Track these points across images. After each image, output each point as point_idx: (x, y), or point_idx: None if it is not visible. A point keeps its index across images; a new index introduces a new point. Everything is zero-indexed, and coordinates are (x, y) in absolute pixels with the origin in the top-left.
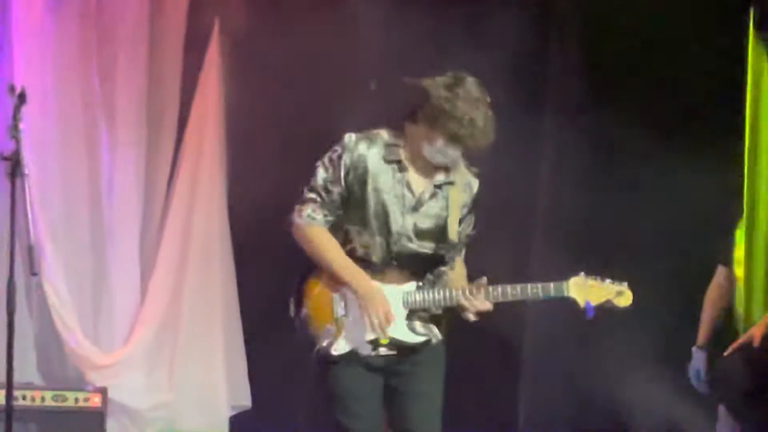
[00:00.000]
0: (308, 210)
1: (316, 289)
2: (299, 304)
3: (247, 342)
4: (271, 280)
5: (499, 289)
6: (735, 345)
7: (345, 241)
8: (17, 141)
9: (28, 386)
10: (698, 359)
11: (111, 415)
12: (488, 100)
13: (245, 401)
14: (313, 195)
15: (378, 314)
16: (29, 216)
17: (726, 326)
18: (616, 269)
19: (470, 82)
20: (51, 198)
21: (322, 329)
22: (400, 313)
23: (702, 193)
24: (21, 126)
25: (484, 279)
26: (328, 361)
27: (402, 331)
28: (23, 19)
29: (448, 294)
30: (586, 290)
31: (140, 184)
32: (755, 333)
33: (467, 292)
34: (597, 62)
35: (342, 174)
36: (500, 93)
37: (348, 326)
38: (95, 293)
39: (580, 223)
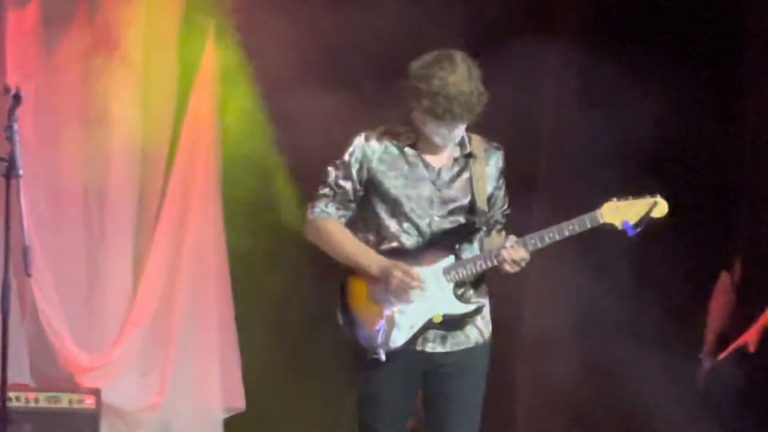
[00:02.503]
0: (320, 205)
1: (358, 292)
2: (346, 311)
3: (241, 344)
4: (266, 281)
5: (536, 236)
6: (729, 349)
7: (377, 236)
8: (12, 141)
9: (23, 387)
10: (707, 364)
11: (104, 417)
12: (474, 74)
13: (239, 404)
14: (324, 191)
15: (398, 279)
16: (24, 217)
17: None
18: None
19: (452, 58)
20: (40, 200)
21: (374, 330)
22: (445, 287)
23: None
24: (16, 127)
25: (513, 237)
26: (377, 361)
27: (452, 305)
28: (17, 20)
29: (486, 254)
30: (621, 212)
31: (134, 184)
32: (750, 338)
33: (504, 246)
34: None
35: (354, 170)
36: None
37: (398, 319)
38: (88, 295)
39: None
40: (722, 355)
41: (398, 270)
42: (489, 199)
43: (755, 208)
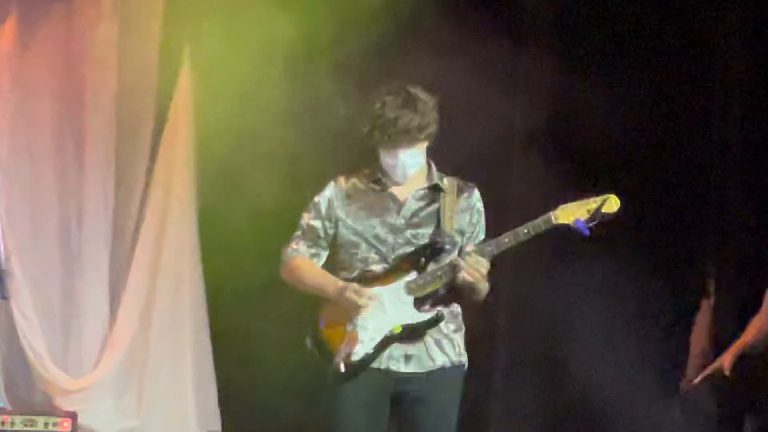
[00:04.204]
0: (292, 245)
1: (325, 316)
2: (314, 335)
3: (217, 366)
4: (242, 305)
5: (493, 243)
6: (705, 373)
7: (350, 268)
8: None
9: None
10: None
11: None
12: (421, 104)
13: (215, 426)
14: (297, 233)
15: (350, 298)
16: (1, 240)
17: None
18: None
19: (402, 87)
20: (19, 222)
21: (339, 345)
22: (406, 300)
23: None
24: None
25: (470, 245)
26: (338, 377)
27: (411, 316)
28: None
29: (443, 265)
30: (573, 211)
31: (110, 208)
32: (725, 361)
33: (460, 255)
34: None
35: (323, 208)
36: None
37: (360, 334)
38: (65, 318)
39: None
40: (697, 380)
41: (348, 291)
42: (458, 231)
43: (724, 233)
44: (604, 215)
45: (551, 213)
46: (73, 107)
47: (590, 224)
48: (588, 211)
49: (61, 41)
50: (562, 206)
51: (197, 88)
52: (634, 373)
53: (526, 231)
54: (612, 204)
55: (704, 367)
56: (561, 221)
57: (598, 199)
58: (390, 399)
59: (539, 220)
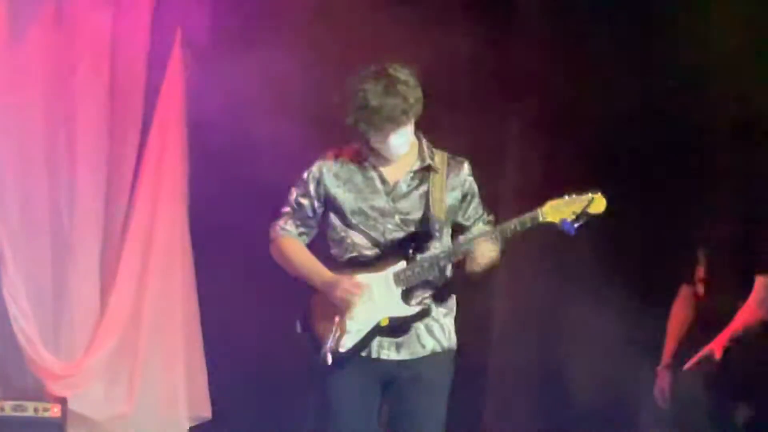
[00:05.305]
0: (281, 223)
1: (316, 302)
2: (306, 319)
3: (207, 353)
4: (233, 293)
5: (480, 238)
6: (694, 359)
7: (340, 248)
8: None
9: None
10: (663, 377)
11: (70, 426)
12: (402, 86)
13: (205, 412)
14: (286, 209)
15: (343, 294)
16: None
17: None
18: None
19: (381, 71)
20: (10, 208)
21: (327, 335)
22: (394, 291)
23: None
24: None
25: (460, 237)
26: (329, 366)
27: (398, 308)
28: None
29: (430, 255)
30: (560, 210)
31: (101, 194)
32: (715, 348)
33: (450, 248)
34: None
35: (312, 187)
36: None
37: (348, 324)
38: (56, 304)
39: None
40: (688, 365)
41: (341, 287)
42: (450, 210)
43: (716, 220)
44: (590, 215)
45: (538, 210)
46: (64, 95)
47: (576, 224)
48: (573, 212)
49: (52, 25)
50: (549, 203)
51: (188, 72)
52: (629, 364)
53: (512, 227)
54: (598, 204)
55: (684, 353)
56: (548, 219)
57: (584, 199)
58: (381, 385)
59: (526, 217)
